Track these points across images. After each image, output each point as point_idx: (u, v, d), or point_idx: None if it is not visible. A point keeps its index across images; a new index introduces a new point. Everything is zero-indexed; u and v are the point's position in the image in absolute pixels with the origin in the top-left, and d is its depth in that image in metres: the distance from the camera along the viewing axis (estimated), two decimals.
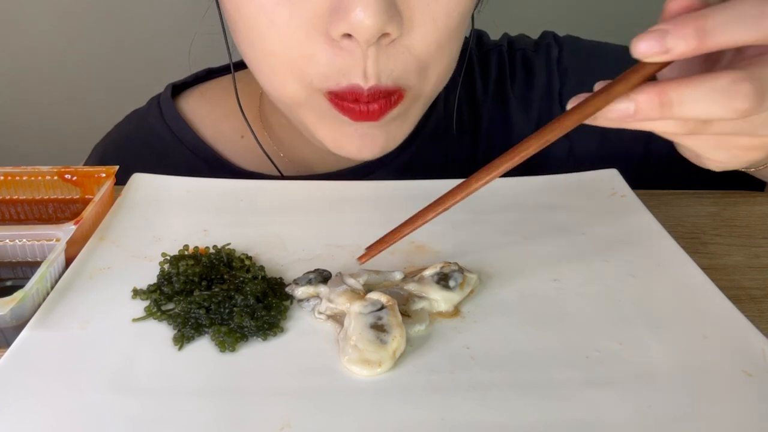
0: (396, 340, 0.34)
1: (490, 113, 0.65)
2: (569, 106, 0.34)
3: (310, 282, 0.39)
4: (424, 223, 0.39)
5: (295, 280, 0.39)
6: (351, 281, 0.38)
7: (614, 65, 0.65)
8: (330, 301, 0.37)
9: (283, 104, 0.51)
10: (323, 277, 0.39)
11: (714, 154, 0.37)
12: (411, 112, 0.50)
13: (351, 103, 0.45)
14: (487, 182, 0.36)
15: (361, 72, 0.44)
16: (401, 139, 0.52)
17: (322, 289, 0.38)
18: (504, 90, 0.65)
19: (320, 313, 0.37)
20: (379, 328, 0.34)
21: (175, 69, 0.71)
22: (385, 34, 0.42)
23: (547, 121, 0.66)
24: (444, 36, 0.46)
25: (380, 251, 0.40)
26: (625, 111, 0.32)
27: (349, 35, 0.42)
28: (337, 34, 0.42)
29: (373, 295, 0.36)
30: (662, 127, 0.34)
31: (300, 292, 0.38)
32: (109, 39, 1.34)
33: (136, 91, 0.74)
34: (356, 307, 0.36)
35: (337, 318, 0.36)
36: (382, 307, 0.36)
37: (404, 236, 0.40)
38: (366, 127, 0.48)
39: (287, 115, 0.52)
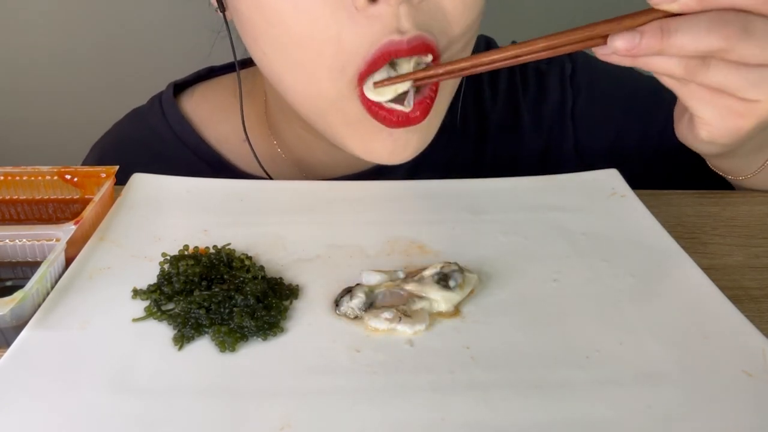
0: None
1: (499, 121, 0.64)
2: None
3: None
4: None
5: None
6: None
7: (626, 86, 0.67)
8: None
9: (313, 109, 0.49)
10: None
11: (706, 111, 0.41)
12: (442, 99, 0.49)
13: (386, 111, 0.45)
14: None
15: (395, 30, 0.43)
16: (432, 135, 0.51)
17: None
18: (515, 100, 0.65)
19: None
20: None
21: (176, 67, 0.71)
22: None
23: (558, 136, 0.66)
24: None
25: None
26: (631, 40, 0.37)
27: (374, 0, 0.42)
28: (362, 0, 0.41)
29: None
30: (664, 66, 0.39)
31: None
32: (109, 37, 1.34)
33: (137, 91, 0.74)
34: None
35: None
36: None
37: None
38: (402, 131, 0.47)
39: (314, 124, 0.51)
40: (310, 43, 0.44)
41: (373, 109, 0.46)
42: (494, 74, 0.65)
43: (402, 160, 0.50)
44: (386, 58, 0.44)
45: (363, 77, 0.45)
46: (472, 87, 0.65)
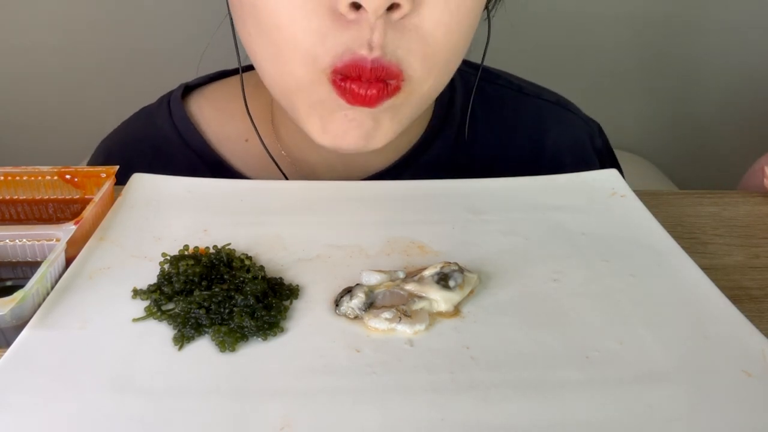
0: None
1: (514, 151, 0.65)
2: None
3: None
4: None
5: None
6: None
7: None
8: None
9: (283, 88, 0.49)
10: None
11: None
12: (404, 109, 0.49)
13: (353, 82, 0.45)
14: None
15: (366, 43, 0.43)
16: (388, 135, 0.50)
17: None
18: (541, 142, 0.66)
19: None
20: None
21: (175, 71, 0.71)
22: (395, 6, 0.42)
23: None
24: (454, 21, 0.45)
25: None
26: None
27: (356, 7, 0.42)
28: (344, 5, 0.42)
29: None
30: None
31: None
32: (110, 38, 1.34)
33: (138, 92, 0.74)
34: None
35: None
36: None
37: None
38: (357, 113, 0.47)
39: (284, 104, 0.51)
40: (288, 29, 0.45)
41: (340, 84, 0.45)
42: (520, 110, 0.67)
43: (354, 143, 0.49)
44: (354, 73, 0.44)
45: (337, 72, 0.45)
46: (485, 104, 0.65)
